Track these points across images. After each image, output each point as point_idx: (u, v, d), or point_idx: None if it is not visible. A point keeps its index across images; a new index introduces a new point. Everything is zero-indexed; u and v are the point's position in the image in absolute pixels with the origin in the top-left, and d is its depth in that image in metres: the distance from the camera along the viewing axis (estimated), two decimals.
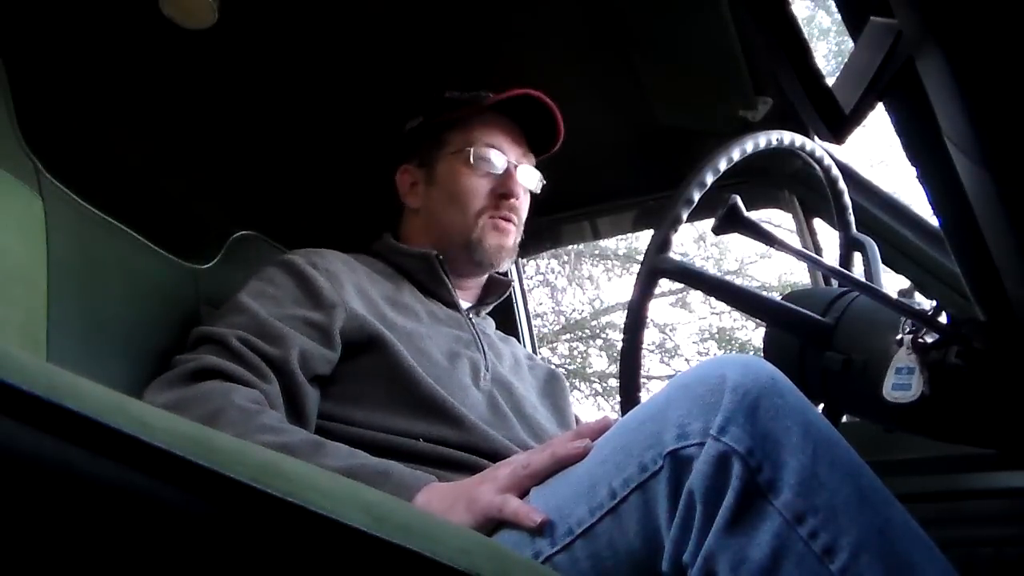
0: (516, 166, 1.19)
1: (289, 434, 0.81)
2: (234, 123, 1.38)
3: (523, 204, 1.21)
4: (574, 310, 7.47)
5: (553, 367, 1.29)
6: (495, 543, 0.58)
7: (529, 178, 1.22)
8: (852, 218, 1.01)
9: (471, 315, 1.19)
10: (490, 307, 1.26)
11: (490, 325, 1.26)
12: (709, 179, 0.83)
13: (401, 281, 1.14)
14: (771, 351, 0.86)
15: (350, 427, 0.93)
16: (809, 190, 1.40)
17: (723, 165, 0.84)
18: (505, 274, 1.26)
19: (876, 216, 1.29)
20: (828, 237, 1.40)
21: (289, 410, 0.90)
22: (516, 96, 1.18)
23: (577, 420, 1.21)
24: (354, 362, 0.97)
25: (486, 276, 1.23)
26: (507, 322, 1.60)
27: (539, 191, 1.25)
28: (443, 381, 0.98)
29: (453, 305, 1.16)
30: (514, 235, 1.19)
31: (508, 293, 1.27)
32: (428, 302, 1.14)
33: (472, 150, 1.17)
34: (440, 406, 0.94)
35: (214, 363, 0.87)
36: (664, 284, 1.04)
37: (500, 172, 1.17)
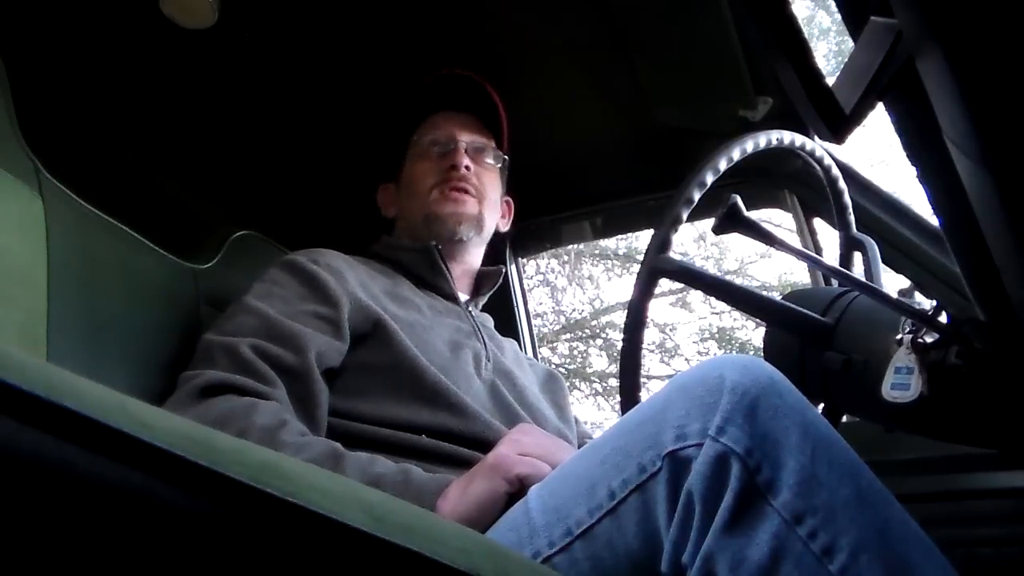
0: (465, 144, 1.22)
1: (310, 448, 0.81)
2: (234, 123, 1.38)
3: (483, 178, 1.22)
4: (574, 310, 7.48)
5: (551, 368, 1.29)
6: (495, 543, 0.58)
7: (482, 152, 1.24)
8: (852, 218, 1.01)
9: (469, 307, 1.20)
10: (486, 298, 1.27)
11: (488, 320, 1.27)
12: (709, 179, 0.83)
13: (398, 277, 1.15)
14: (771, 351, 0.86)
15: (355, 423, 0.93)
16: (809, 190, 1.40)
17: (723, 165, 0.84)
18: (495, 263, 1.27)
19: (876, 216, 1.29)
20: (828, 237, 1.40)
21: (301, 411, 0.90)
22: (463, 86, 1.24)
23: (576, 420, 1.21)
24: (359, 353, 0.98)
25: (477, 261, 1.25)
26: (507, 322, 1.60)
27: (499, 164, 1.27)
28: (446, 370, 0.98)
29: (452, 297, 1.18)
30: (471, 204, 1.19)
31: (500, 281, 1.27)
32: (426, 296, 1.15)
33: (418, 139, 1.23)
34: (444, 394, 0.95)
35: (221, 378, 0.87)
36: (664, 284, 1.04)
37: (448, 150, 1.21)
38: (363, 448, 0.89)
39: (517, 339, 1.61)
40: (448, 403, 0.94)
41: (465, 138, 1.22)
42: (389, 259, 1.19)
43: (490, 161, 1.25)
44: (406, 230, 1.24)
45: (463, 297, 1.21)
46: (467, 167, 1.19)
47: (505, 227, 1.33)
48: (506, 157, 1.28)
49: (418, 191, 1.20)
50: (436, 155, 1.21)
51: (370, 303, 1.00)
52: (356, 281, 1.03)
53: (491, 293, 1.28)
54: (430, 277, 1.17)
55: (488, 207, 1.22)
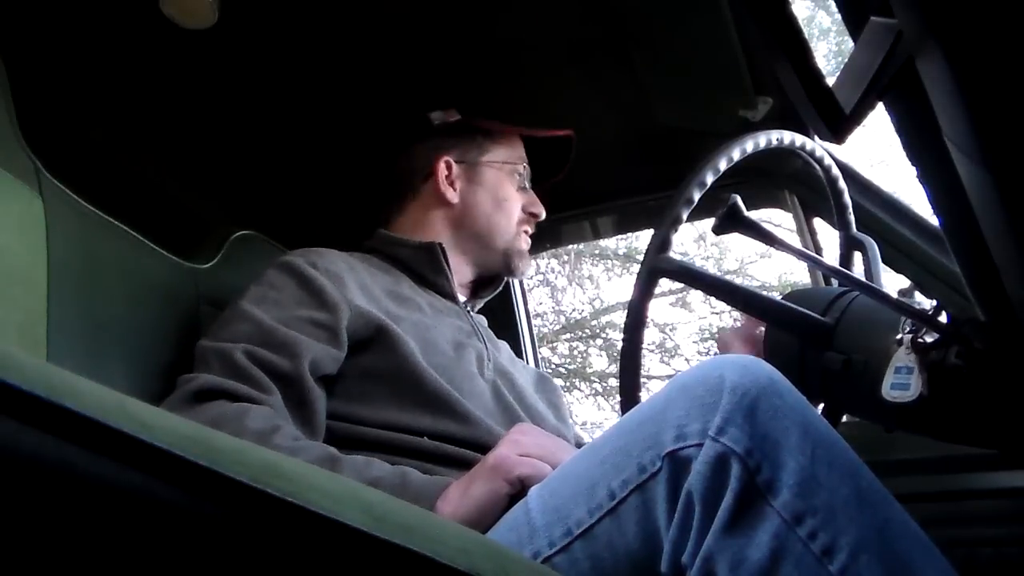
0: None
1: (304, 452, 0.81)
2: (234, 123, 1.38)
3: None
4: (574, 310, 7.47)
5: (540, 370, 1.30)
6: (495, 543, 0.58)
7: None
8: (852, 218, 1.01)
9: (468, 308, 1.20)
10: (483, 301, 1.27)
11: (483, 320, 1.27)
12: (709, 179, 0.83)
13: (398, 275, 1.14)
14: (771, 351, 0.86)
15: (356, 426, 0.93)
16: (809, 190, 1.40)
17: (723, 165, 0.84)
18: None
19: (876, 216, 1.29)
20: (828, 237, 1.40)
21: (298, 417, 0.90)
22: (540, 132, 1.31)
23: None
24: (360, 359, 0.98)
25: (478, 273, 1.25)
26: (507, 322, 1.60)
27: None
28: (450, 371, 0.98)
29: (451, 297, 1.17)
30: None
31: (500, 288, 1.28)
32: (427, 294, 1.14)
33: (518, 167, 1.26)
34: (445, 401, 0.94)
35: (215, 382, 0.87)
36: (664, 284, 1.04)
37: (529, 193, 1.27)
38: (364, 449, 0.89)
39: (517, 339, 1.61)
40: (451, 410, 0.94)
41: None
42: (387, 255, 1.18)
43: None
44: (455, 222, 1.22)
45: (461, 298, 1.21)
46: None
47: None
48: None
49: (510, 215, 1.23)
50: (519, 185, 1.25)
51: (371, 309, 0.99)
52: (356, 285, 1.03)
53: (490, 298, 1.28)
54: (430, 275, 1.17)
55: None
